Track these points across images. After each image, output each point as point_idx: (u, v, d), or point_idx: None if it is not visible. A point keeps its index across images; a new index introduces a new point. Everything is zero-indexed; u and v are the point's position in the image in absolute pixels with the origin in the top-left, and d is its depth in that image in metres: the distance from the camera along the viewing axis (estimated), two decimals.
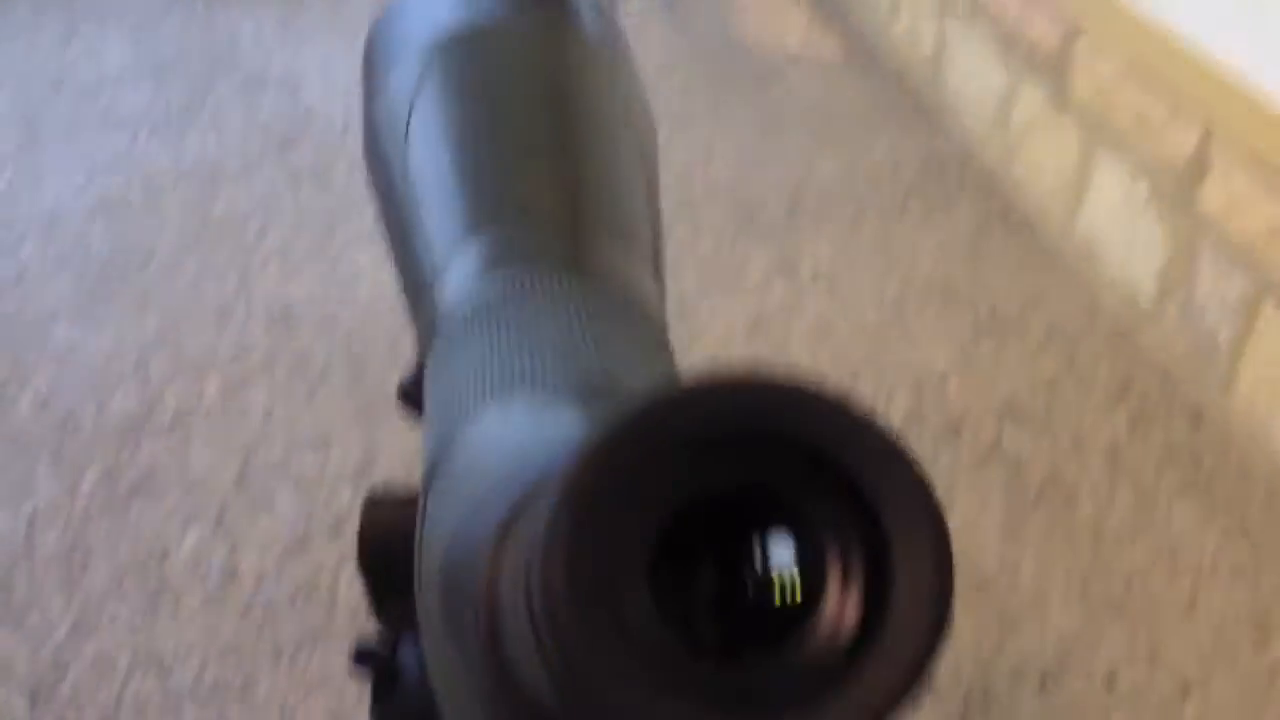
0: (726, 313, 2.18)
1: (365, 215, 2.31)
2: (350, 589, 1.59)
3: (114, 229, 2.33)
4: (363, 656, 0.52)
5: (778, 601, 0.29)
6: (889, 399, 2.00)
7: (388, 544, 0.45)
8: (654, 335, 0.50)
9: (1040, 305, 2.24)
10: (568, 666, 0.27)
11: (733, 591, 0.29)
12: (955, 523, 1.79)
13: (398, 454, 1.81)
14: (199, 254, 2.27)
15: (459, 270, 0.51)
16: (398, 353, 2.01)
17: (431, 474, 0.44)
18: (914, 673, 0.28)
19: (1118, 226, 2.23)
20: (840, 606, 0.28)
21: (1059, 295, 2.28)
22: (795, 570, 0.29)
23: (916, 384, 2.04)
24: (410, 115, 0.56)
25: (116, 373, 1.97)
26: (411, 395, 0.55)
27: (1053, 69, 2.40)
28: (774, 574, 0.29)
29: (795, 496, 0.29)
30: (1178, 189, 2.05)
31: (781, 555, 0.29)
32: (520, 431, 0.41)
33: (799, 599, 0.29)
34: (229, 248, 2.29)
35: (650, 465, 0.28)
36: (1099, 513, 1.82)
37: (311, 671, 1.49)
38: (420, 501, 0.44)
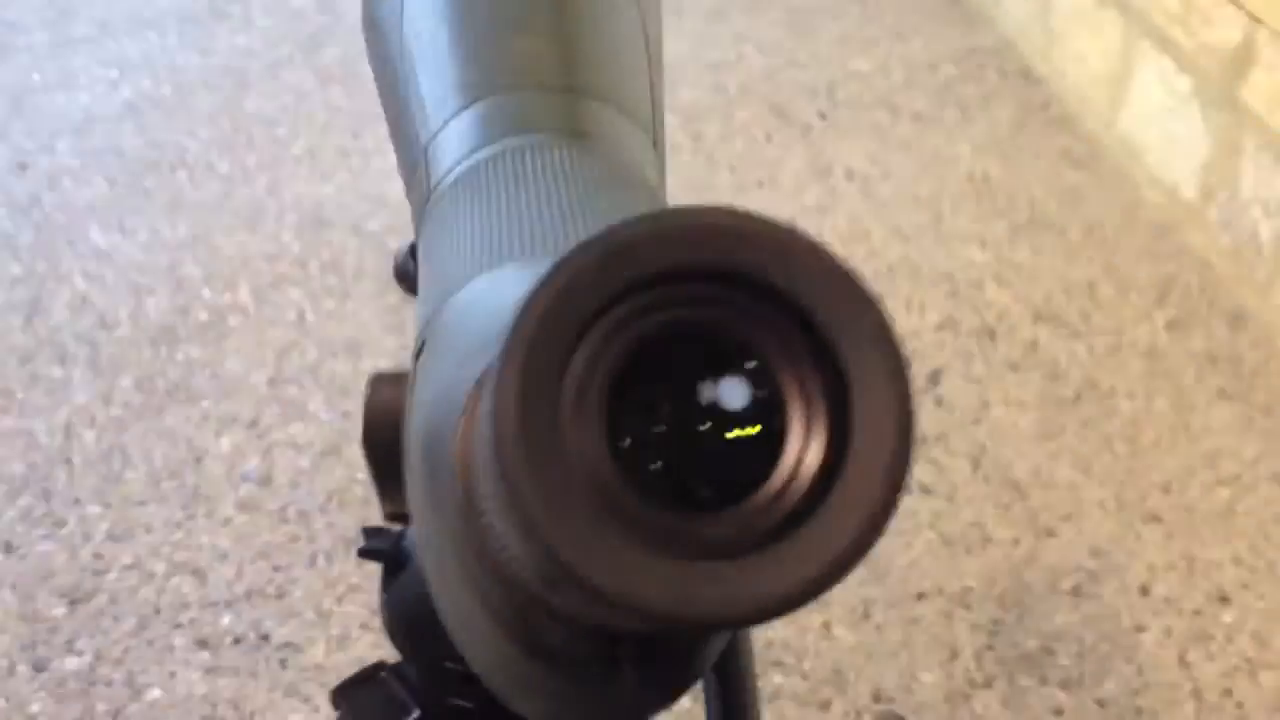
0: None
1: None
2: None
3: (145, 130, 2.31)
4: (366, 551, 0.51)
5: (731, 436, 0.28)
6: (924, 301, 1.98)
7: (388, 422, 0.43)
8: (650, 204, 0.49)
9: (1079, 204, 2.21)
10: (516, 507, 0.26)
11: (688, 432, 0.28)
12: (990, 427, 1.78)
13: None
14: (230, 155, 2.25)
15: (452, 141, 0.50)
16: None
17: (419, 349, 0.43)
18: (874, 520, 0.27)
19: (1160, 122, 2.18)
20: (801, 450, 0.28)
21: (1098, 193, 2.23)
22: (748, 407, 0.28)
23: (952, 286, 2.01)
24: None
25: (150, 275, 1.97)
26: (407, 274, 0.54)
27: None
28: (727, 411, 0.28)
29: (754, 337, 0.28)
30: (1222, 82, 2.00)
31: (734, 392, 0.29)
32: (503, 297, 0.40)
33: (753, 434, 0.28)
34: (259, 149, 2.27)
35: (601, 303, 0.27)
36: (1136, 417, 1.80)
37: (346, 575, 1.50)
38: (409, 378, 0.43)
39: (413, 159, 0.51)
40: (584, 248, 0.28)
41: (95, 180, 2.17)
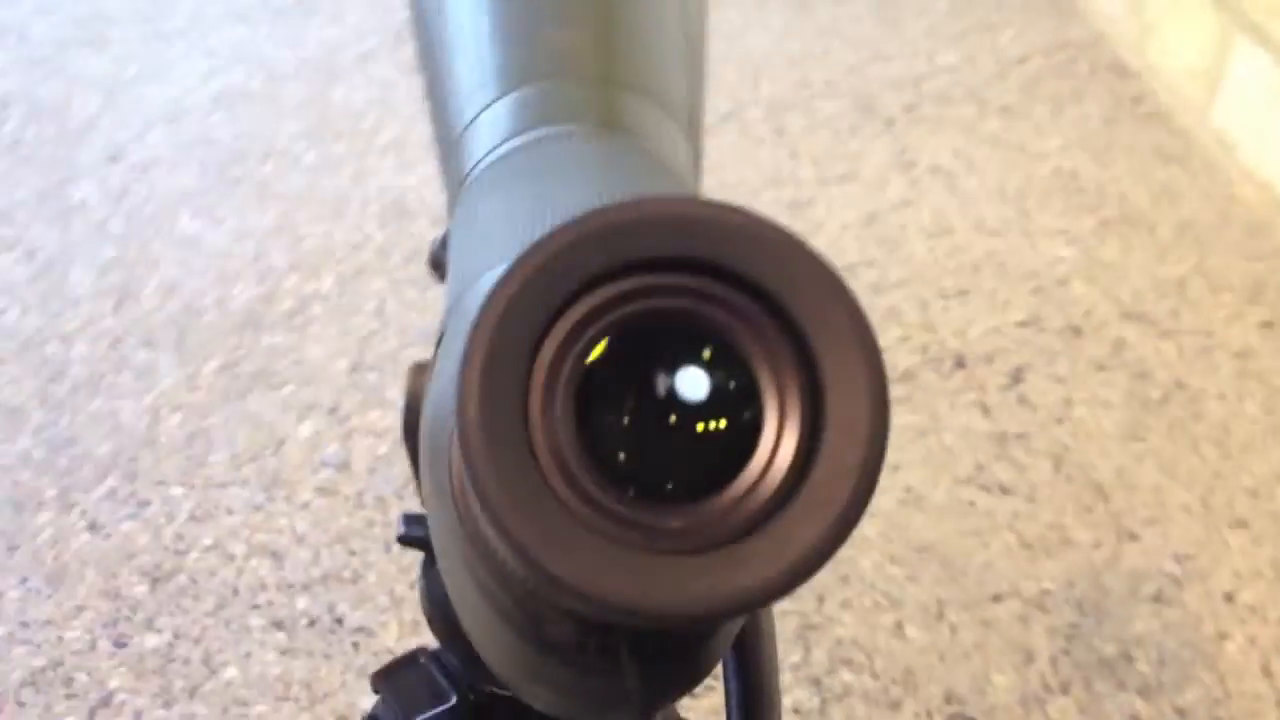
0: (842, 208, 2.13)
1: None
2: None
3: (235, 120, 2.35)
4: (405, 539, 0.51)
5: (701, 429, 0.28)
6: (1008, 298, 1.95)
7: (417, 411, 0.44)
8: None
9: (1171, 200, 2.16)
10: (477, 494, 0.26)
11: (657, 425, 0.28)
12: (1073, 427, 1.75)
13: None
14: (317, 146, 2.28)
15: (485, 130, 0.50)
16: None
17: (439, 338, 0.43)
18: (841, 522, 0.26)
19: (1256, 117, 2.12)
20: (773, 447, 0.27)
21: (1191, 190, 2.18)
22: (721, 400, 0.28)
23: (1037, 284, 1.98)
24: None
25: (237, 263, 2.00)
26: (440, 263, 0.54)
27: None
28: (696, 404, 0.28)
29: (729, 330, 0.28)
30: None
31: (699, 384, 0.28)
32: None
33: (724, 428, 0.27)
34: (346, 140, 2.30)
35: (570, 291, 0.27)
36: (1226, 420, 1.76)
37: (419, 561, 1.52)
38: (430, 367, 0.43)
39: (448, 147, 0.51)
40: (554, 235, 0.27)
41: (185, 170, 2.22)
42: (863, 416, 0.27)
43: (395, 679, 0.53)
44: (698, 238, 0.27)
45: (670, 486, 0.28)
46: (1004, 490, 1.65)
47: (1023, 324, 1.90)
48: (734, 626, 0.36)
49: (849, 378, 0.27)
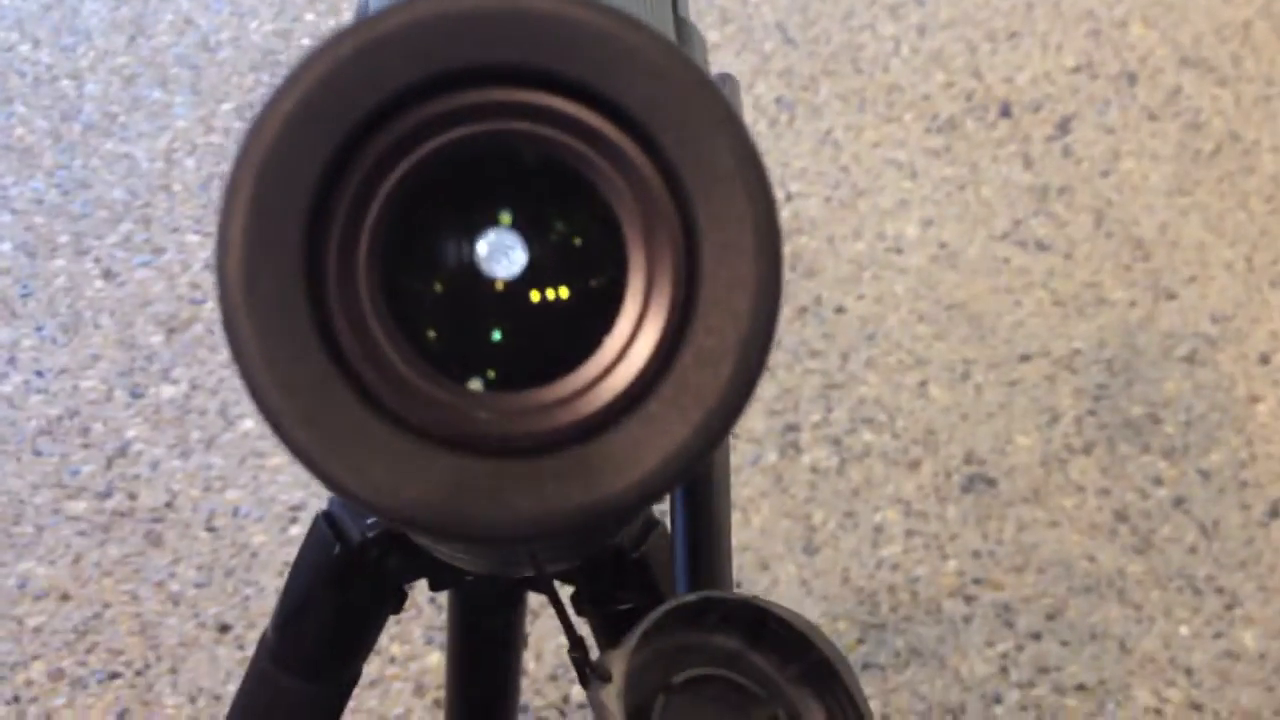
0: None
1: None
2: None
3: None
4: None
5: (538, 299, 0.22)
6: (1061, 41, 1.84)
7: None
8: None
9: None
10: (242, 374, 0.21)
11: (480, 291, 0.22)
12: (1119, 180, 1.67)
13: None
14: None
15: None
16: None
17: None
18: (713, 419, 0.21)
19: None
20: (637, 321, 0.22)
21: None
22: (569, 260, 0.22)
23: (1093, 24, 1.87)
24: None
25: None
26: None
27: None
28: (534, 265, 0.22)
29: (576, 168, 0.22)
30: None
31: (538, 240, 0.22)
32: None
33: (570, 297, 0.22)
34: None
35: (363, 114, 0.21)
36: (1278, 174, 1.68)
37: None
38: None
39: None
40: (339, 38, 0.21)
41: None
42: (746, 285, 0.21)
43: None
44: (538, 41, 0.21)
45: (498, 372, 0.22)
46: (1041, 246, 1.60)
47: (1074, 70, 1.81)
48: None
49: (731, 236, 0.21)
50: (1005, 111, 1.75)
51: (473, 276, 0.22)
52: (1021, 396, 1.46)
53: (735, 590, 0.34)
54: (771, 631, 0.31)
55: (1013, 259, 1.58)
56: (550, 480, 0.21)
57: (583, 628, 0.44)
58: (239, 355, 0.21)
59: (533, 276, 0.23)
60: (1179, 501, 1.39)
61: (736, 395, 0.21)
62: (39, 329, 1.44)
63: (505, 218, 0.22)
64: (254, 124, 0.21)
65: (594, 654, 0.34)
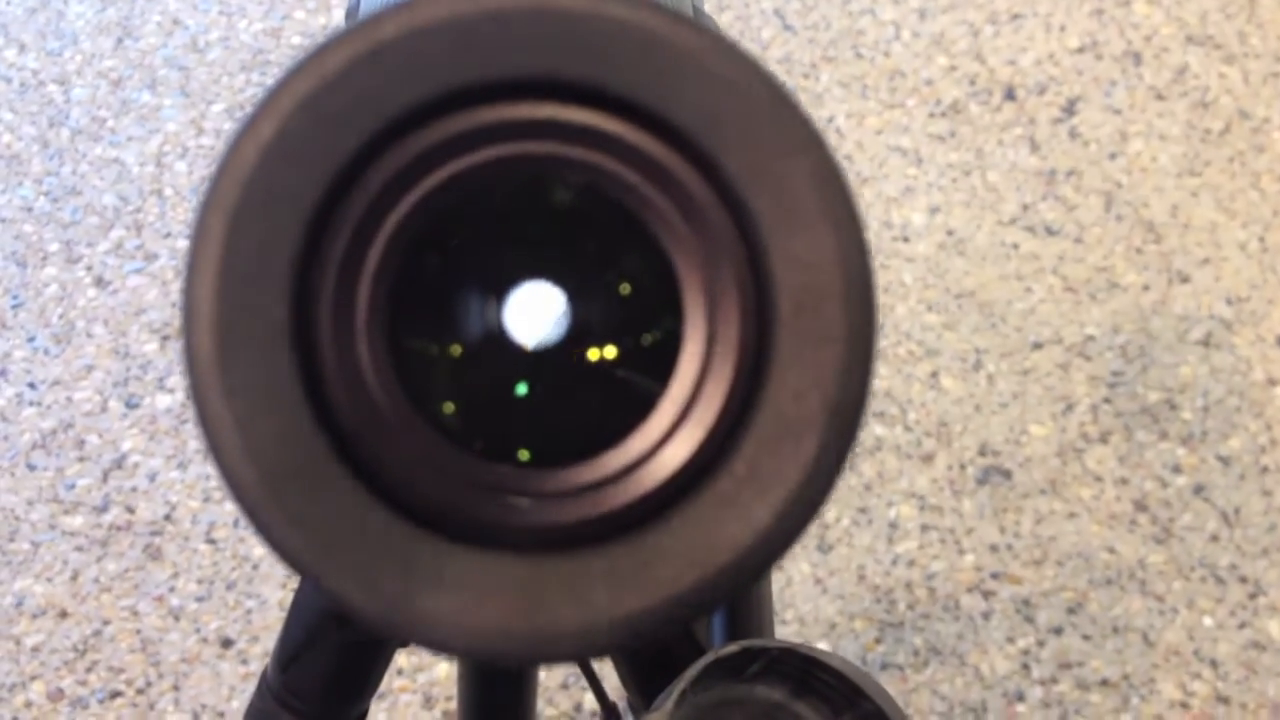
0: None
1: None
2: None
3: None
4: None
5: (574, 359, 0.18)
6: (1064, 21, 1.81)
7: None
8: None
9: None
10: (209, 450, 0.17)
11: (504, 357, 0.18)
12: (1127, 162, 1.64)
13: None
14: None
15: None
16: None
17: None
18: (800, 499, 0.17)
19: None
20: (693, 385, 0.17)
21: None
22: (611, 318, 0.18)
23: (1095, 5, 1.83)
24: None
25: None
26: None
27: None
28: (566, 328, 0.18)
29: (626, 200, 0.17)
30: None
31: (575, 289, 0.18)
32: None
33: (611, 358, 0.18)
34: None
35: (366, 136, 0.17)
36: None
37: None
38: None
39: None
40: (326, 48, 0.17)
41: None
42: (833, 339, 0.17)
43: None
44: (571, 46, 0.17)
45: (533, 449, 0.18)
46: (1050, 231, 1.57)
47: (1079, 50, 1.77)
48: None
49: (813, 279, 0.17)
50: (1010, 95, 1.72)
51: (498, 336, 0.19)
52: (1035, 385, 1.43)
53: (778, 637, 0.31)
54: (820, 680, 0.29)
55: (1022, 244, 1.55)
56: (601, 582, 0.17)
57: (606, 668, 0.41)
58: (213, 442, 0.18)
59: (571, 334, 0.19)
60: (1199, 489, 1.36)
61: (825, 471, 0.17)
62: (30, 340, 1.41)
63: (535, 263, 0.18)
64: (225, 156, 0.18)
65: (620, 701, 0.31)
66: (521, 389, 0.18)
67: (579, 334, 0.18)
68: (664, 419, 0.18)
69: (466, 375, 0.18)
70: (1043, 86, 1.73)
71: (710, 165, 0.17)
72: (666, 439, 0.18)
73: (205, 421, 0.17)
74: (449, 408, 0.18)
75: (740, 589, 0.17)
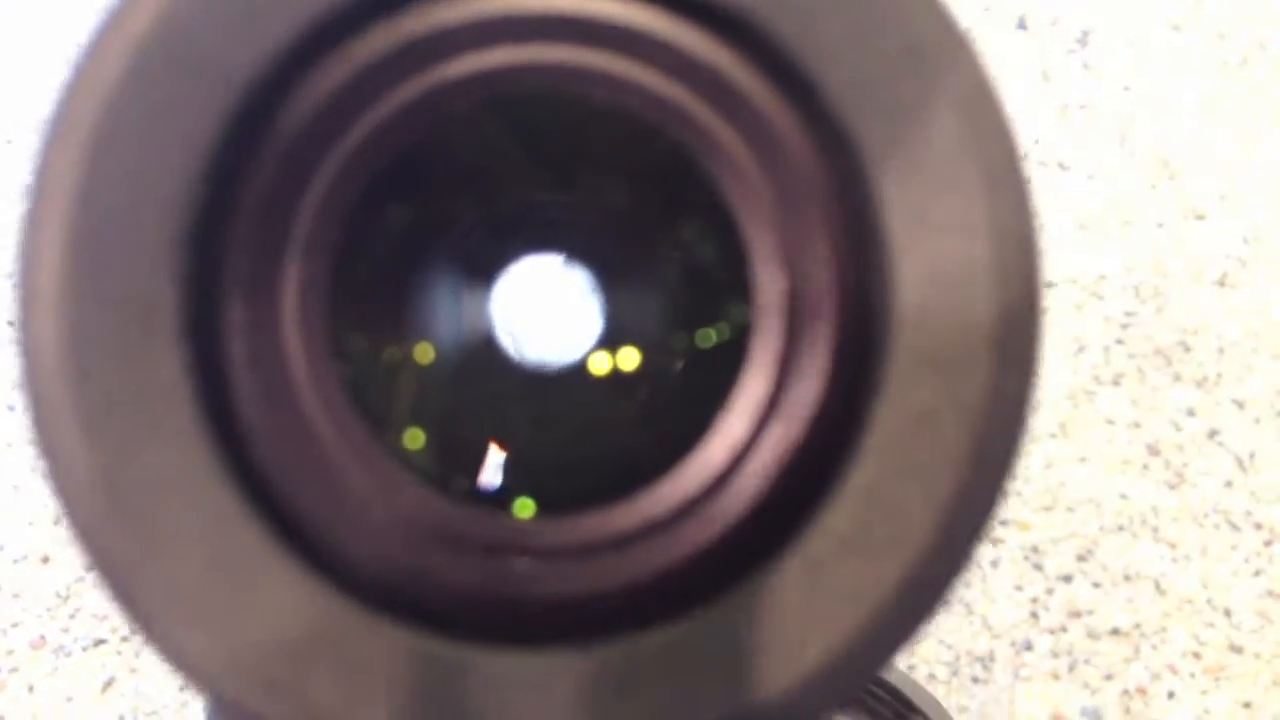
0: None
1: None
2: None
3: None
4: None
5: (598, 373, 0.13)
6: None
7: None
8: None
9: None
10: (57, 496, 0.13)
11: (486, 350, 0.13)
12: (1143, 94, 1.59)
13: None
14: None
15: None
16: None
17: None
18: (931, 565, 0.12)
19: None
20: (766, 403, 0.13)
21: None
22: (656, 320, 0.13)
23: None
24: None
25: None
26: None
27: None
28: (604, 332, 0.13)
29: (673, 145, 0.13)
30: None
31: (550, 264, 0.13)
32: None
33: (642, 369, 0.13)
34: None
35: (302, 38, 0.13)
36: None
37: None
38: None
39: None
40: None
41: None
42: (980, 332, 0.12)
43: None
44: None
45: (537, 494, 0.13)
46: (1062, 167, 1.52)
47: None
48: None
49: (949, 252, 0.12)
50: (1022, 24, 1.66)
51: (488, 334, 0.14)
52: (1047, 326, 1.39)
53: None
54: (870, 693, 0.25)
55: (1033, 180, 1.50)
56: (645, 688, 0.11)
57: None
58: (65, 493, 0.13)
59: (600, 335, 0.14)
60: (1213, 433, 1.32)
61: (964, 528, 0.12)
62: None
63: (542, 232, 0.14)
64: (82, 57, 0.13)
65: None
66: (522, 409, 0.14)
67: (604, 333, 0.13)
68: (718, 450, 0.13)
69: (442, 389, 0.13)
70: (1056, 17, 1.67)
71: (798, 79, 0.12)
72: (726, 477, 0.13)
73: (51, 457, 0.13)
74: (415, 437, 0.13)
75: (841, 701, 0.12)
